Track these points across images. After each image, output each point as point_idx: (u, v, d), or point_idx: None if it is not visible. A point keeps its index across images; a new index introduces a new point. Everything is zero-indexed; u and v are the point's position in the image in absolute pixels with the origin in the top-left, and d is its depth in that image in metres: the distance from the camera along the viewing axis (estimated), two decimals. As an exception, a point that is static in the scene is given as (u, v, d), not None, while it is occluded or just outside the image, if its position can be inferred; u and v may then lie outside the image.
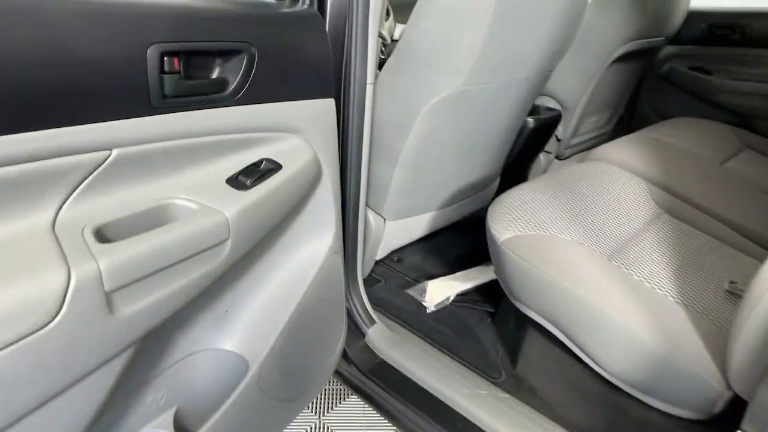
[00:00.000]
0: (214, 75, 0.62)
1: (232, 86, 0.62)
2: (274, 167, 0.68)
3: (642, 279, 0.88)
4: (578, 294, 0.85)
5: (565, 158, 1.78)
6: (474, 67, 0.96)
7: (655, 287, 0.86)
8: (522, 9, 0.93)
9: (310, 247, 0.82)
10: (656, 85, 1.99)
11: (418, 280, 1.33)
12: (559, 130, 1.63)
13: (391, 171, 1.10)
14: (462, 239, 1.56)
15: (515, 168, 1.57)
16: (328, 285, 0.88)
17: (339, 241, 0.88)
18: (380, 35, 0.98)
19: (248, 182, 0.64)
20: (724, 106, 1.84)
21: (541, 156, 1.69)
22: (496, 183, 1.48)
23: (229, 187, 0.63)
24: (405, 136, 1.05)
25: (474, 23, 0.90)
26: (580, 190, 1.11)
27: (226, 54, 0.61)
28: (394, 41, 0.99)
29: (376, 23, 0.88)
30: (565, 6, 1.04)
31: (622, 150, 1.36)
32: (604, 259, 0.90)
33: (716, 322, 0.80)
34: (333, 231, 0.83)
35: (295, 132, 0.73)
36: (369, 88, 0.93)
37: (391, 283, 1.32)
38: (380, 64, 1.03)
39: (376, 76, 1.04)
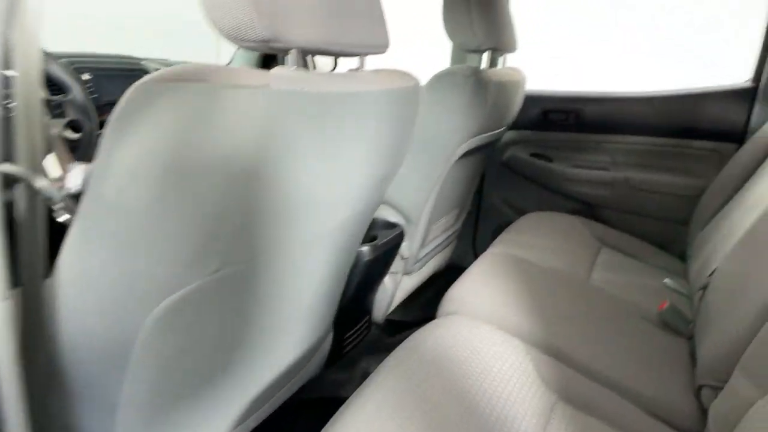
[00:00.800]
0: None
1: None
2: None
3: None
4: None
5: (414, 273, 1.43)
6: (237, 236, 0.51)
7: None
8: (329, 128, 0.53)
9: None
10: (500, 173, 1.79)
11: None
12: (404, 247, 1.28)
13: (110, 424, 0.58)
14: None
15: (355, 307, 1.16)
16: None
17: None
18: (39, 188, 0.48)
19: None
20: (568, 195, 1.69)
21: (387, 279, 1.31)
22: (329, 340, 1.04)
23: None
24: (123, 364, 0.55)
25: (220, 168, 0.46)
26: (444, 385, 0.71)
27: None
28: (75, 196, 0.50)
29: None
30: (394, 117, 0.67)
31: (481, 292, 1.03)
32: None
33: None
34: None
35: None
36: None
37: None
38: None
39: (53, 267, 0.53)
